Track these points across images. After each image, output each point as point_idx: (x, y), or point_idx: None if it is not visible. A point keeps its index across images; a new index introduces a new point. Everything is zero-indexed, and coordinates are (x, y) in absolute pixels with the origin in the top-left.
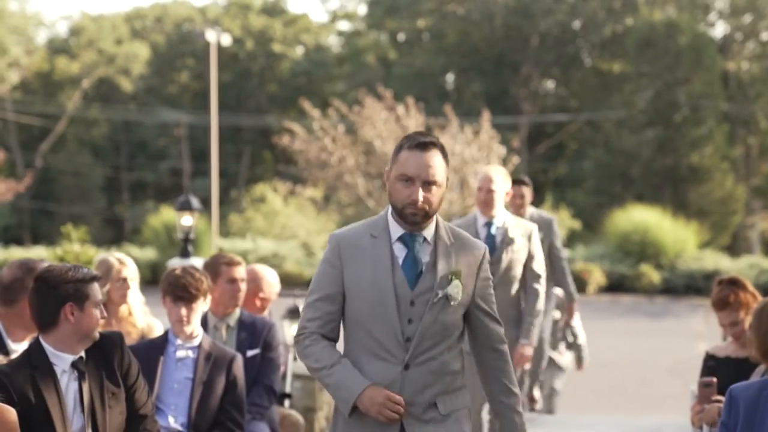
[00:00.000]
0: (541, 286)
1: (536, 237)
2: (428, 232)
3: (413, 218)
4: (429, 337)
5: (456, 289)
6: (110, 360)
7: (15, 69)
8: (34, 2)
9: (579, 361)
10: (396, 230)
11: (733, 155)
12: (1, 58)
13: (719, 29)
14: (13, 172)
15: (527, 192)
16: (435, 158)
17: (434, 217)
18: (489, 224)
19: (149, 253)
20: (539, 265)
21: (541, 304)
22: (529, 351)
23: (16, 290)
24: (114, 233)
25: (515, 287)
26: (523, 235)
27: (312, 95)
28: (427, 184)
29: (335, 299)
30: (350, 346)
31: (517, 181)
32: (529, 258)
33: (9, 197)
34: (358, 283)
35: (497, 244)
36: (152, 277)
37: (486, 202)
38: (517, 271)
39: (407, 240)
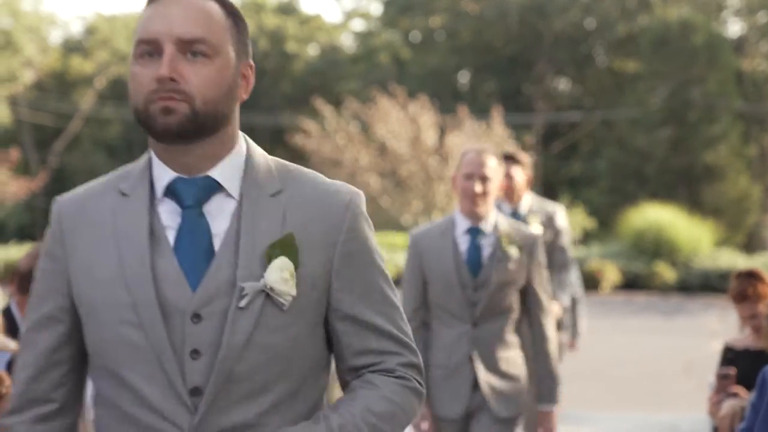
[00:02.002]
0: (550, 319)
1: (540, 248)
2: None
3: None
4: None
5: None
6: None
7: (29, 68)
8: (48, 2)
9: (572, 337)
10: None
11: (747, 154)
12: (15, 57)
13: (734, 28)
14: (27, 170)
15: (518, 172)
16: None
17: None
18: (473, 231)
19: None
20: (545, 288)
21: (554, 345)
22: (554, 419)
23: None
24: None
25: (510, 320)
26: (524, 246)
27: (326, 94)
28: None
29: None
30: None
31: (506, 158)
32: (531, 278)
33: (23, 196)
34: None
35: (484, 260)
36: None
37: (474, 197)
38: (512, 299)
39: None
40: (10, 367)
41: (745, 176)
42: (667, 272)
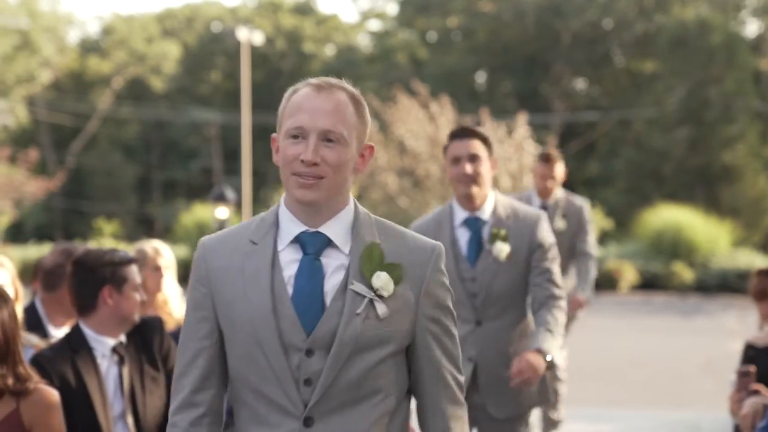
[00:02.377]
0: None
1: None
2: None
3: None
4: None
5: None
6: (150, 344)
7: (47, 68)
8: (65, 2)
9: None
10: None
11: (765, 154)
12: (33, 57)
13: (752, 28)
14: (45, 170)
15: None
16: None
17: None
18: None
19: (181, 251)
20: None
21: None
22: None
23: (58, 276)
24: (145, 232)
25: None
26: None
27: None
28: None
29: None
30: None
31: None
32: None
33: (41, 196)
34: None
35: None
36: (184, 275)
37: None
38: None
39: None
40: (33, 361)
41: (762, 176)
42: (685, 272)
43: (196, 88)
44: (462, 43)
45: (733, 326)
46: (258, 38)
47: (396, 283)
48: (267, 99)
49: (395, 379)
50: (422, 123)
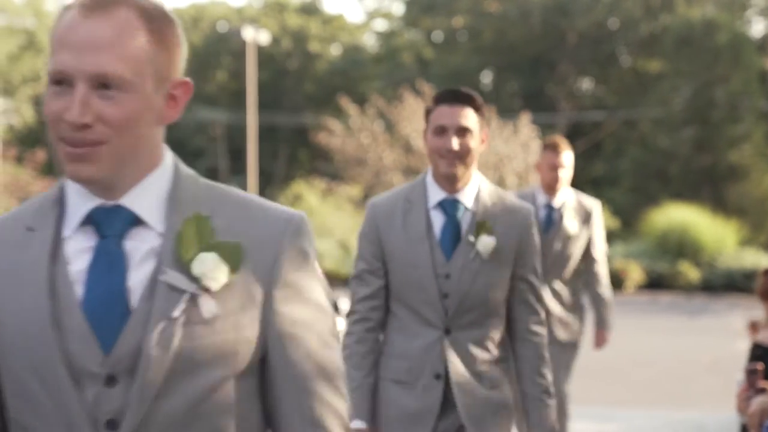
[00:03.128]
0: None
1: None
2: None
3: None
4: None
5: (486, 244)
6: None
7: None
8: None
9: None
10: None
11: None
12: (39, 57)
13: (758, 27)
14: (51, 170)
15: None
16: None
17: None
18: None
19: None
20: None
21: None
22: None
23: None
24: None
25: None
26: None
27: (349, 94)
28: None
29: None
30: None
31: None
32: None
33: None
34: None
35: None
36: None
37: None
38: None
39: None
40: None
41: None
42: (691, 272)
43: (202, 88)
44: (468, 42)
45: (739, 326)
46: (264, 38)
47: (232, 269)
48: (273, 99)
49: (242, 413)
50: None
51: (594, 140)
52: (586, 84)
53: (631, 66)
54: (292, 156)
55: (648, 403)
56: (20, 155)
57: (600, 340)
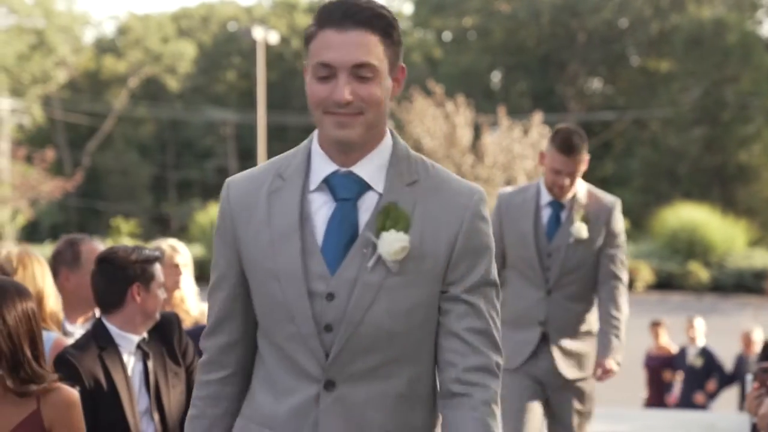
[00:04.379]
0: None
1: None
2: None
3: None
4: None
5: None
6: (170, 339)
7: (63, 68)
8: (81, 2)
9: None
10: None
11: None
12: (49, 57)
13: None
14: (61, 170)
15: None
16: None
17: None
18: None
19: (196, 250)
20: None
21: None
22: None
23: (58, 262)
24: (160, 231)
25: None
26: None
27: None
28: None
29: None
30: None
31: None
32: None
33: (58, 195)
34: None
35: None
36: (200, 274)
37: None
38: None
39: None
40: (60, 359)
41: None
42: (700, 272)
43: (211, 88)
44: (477, 42)
45: (748, 326)
46: (273, 38)
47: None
48: (282, 98)
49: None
50: (438, 122)
51: (603, 140)
52: (595, 84)
53: (640, 66)
54: None
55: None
56: (30, 155)
57: (602, 373)
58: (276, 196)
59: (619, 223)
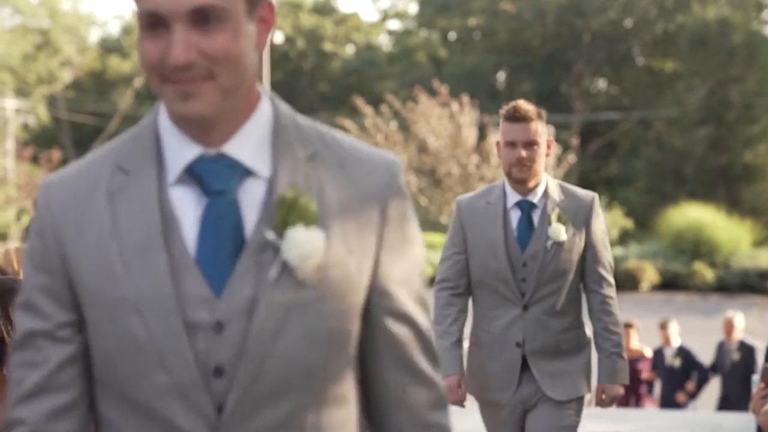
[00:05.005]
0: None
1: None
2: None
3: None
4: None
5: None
6: None
7: (68, 68)
8: (86, 2)
9: None
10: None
11: None
12: (54, 57)
13: None
14: None
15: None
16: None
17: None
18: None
19: None
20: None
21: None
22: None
23: None
24: None
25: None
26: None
27: (363, 94)
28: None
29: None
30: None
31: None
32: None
33: None
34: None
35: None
36: None
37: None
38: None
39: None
40: None
41: None
42: (706, 272)
43: None
44: (482, 42)
45: (754, 326)
46: (278, 38)
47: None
48: (287, 99)
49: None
50: (443, 122)
51: (608, 140)
52: (600, 84)
53: (645, 66)
54: None
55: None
56: (36, 155)
57: (611, 397)
58: (121, 196)
59: (601, 221)
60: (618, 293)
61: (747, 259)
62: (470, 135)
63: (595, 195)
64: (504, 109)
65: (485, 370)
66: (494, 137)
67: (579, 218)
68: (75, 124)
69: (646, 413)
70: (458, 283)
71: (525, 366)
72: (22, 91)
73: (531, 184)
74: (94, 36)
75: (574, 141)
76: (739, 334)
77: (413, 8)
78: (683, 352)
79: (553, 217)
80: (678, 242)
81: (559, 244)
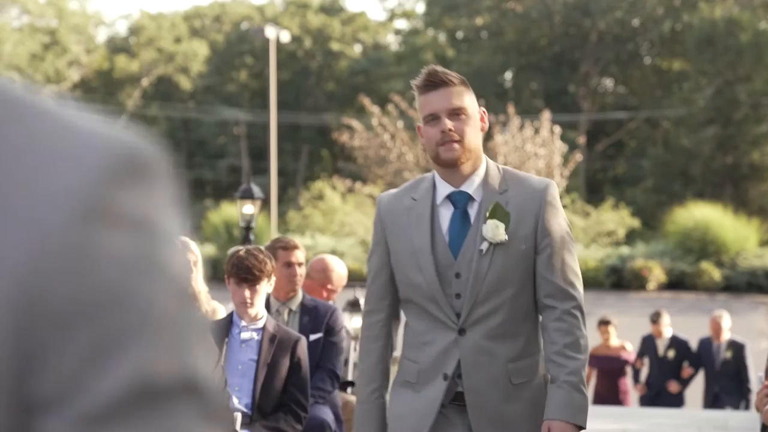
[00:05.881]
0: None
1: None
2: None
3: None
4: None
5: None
6: None
7: (75, 67)
8: (94, 1)
9: None
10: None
11: None
12: (62, 56)
13: None
14: None
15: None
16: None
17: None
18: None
19: (209, 250)
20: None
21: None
22: None
23: None
24: None
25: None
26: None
27: (370, 93)
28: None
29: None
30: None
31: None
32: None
33: None
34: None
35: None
36: (212, 273)
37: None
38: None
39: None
40: None
41: None
42: (713, 271)
43: (223, 87)
44: (489, 42)
45: (761, 325)
46: (285, 37)
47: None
48: (295, 98)
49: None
50: None
51: (616, 140)
52: (607, 83)
53: (653, 65)
54: (314, 155)
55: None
56: None
57: None
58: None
59: (559, 214)
60: (625, 293)
61: (754, 258)
62: None
63: (551, 182)
64: (417, 79)
65: (402, 413)
66: (501, 137)
67: (527, 212)
68: None
69: (652, 412)
70: (380, 306)
71: (456, 408)
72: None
73: (466, 168)
74: (101, 35)
75: (581, 140)
76: (726, 334)
77: (420, 8)
78: (676, 343)
79: (489, 211)
80: (685, 242)
81: (497, 247)
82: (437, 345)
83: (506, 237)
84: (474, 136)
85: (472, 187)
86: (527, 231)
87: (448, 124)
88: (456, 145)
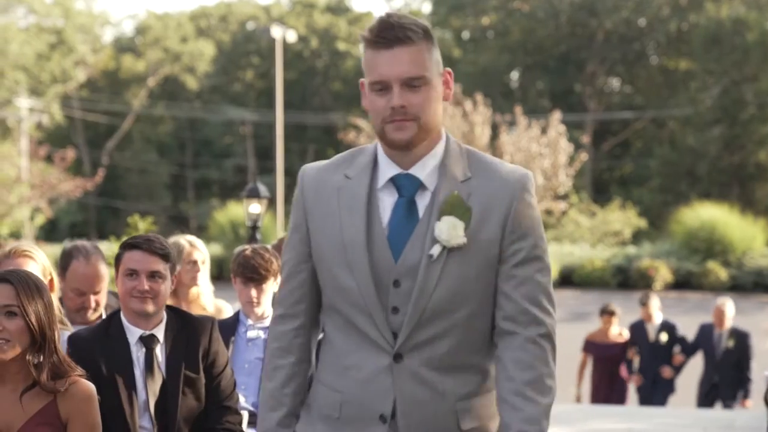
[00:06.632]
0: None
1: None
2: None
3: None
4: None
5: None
6: (195, 345)
7: (82, 67)
8: (100, 1)
9: None
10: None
11: None
12: (68, 56)
13: None
14: (80, 169)
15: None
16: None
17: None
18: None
19: (215, 249)
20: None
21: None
22: None
23: (60, 260)
24: (179, 230)
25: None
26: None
27: None
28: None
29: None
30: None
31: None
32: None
33: (78, 194)
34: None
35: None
36: (218, 273)
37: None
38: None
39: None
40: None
41: None
42: (719, 271)
43: (229, 87)
44: (496, 41)
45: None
46: (291, 37)
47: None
48: (301, 97)
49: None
50: (456, 120)
51: (622, 139)
52: (614, 83)
53: (659, 65)
54: (320, 155)
55: (676, 400)
56: (49, 154)
57: None
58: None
59: (533, 215)
60: (631, 292)
61: (761, 258)
62: (483, 133)
63: (527, 172)
64: (367, 29)
65: None
66: (506, 136)
67: (495, 208)
68: (88, 123)
69: (658, 411)
70: (294, 310)
71: None
72: (36, 91)
73: (419, 149)
74: (107, 35)
75: (588, 140)
76: (729, 322)
77: (426, 7)
78: (667, 327)
79: (445, 204)
80: (691, 241)
81: (453, 252)
82: (364, 371)
83: (465, 240)
84: (434, 111)
85: (424, 171)
86: (492, 233)
87: (401, 98)
88: (409, 124)
